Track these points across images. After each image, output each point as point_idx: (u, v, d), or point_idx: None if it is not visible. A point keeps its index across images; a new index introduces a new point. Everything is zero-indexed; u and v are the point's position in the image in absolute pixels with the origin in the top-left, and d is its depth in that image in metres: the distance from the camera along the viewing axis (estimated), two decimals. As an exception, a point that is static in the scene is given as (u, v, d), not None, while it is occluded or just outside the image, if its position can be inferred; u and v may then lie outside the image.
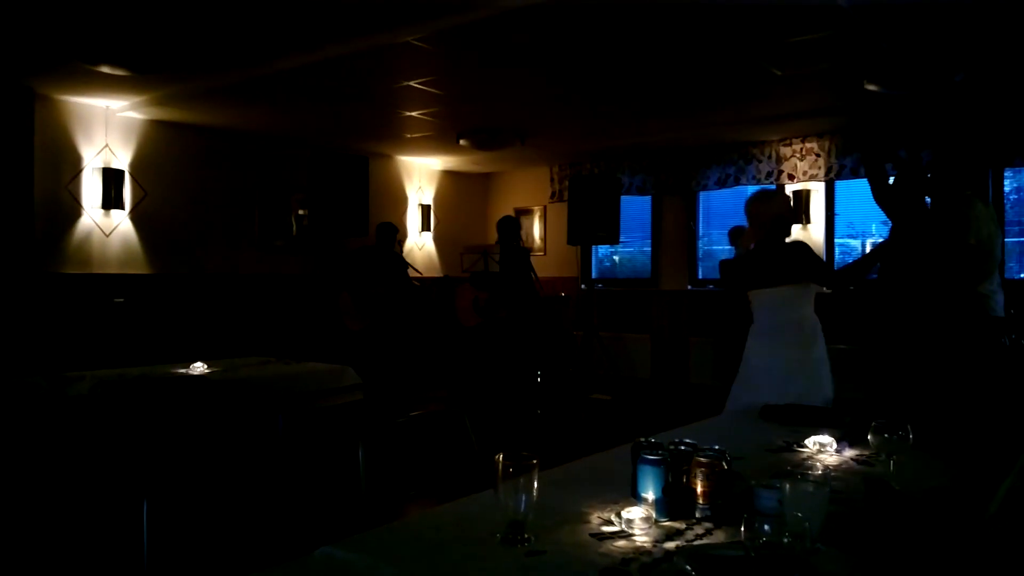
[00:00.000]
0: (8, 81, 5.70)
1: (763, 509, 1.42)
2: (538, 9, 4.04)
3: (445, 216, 9.50)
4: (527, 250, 7.41)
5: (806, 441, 2.17)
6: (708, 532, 1.49)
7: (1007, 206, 6.67)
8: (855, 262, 3.44)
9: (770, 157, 7.66)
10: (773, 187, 7.77)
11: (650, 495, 1.55)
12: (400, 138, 7.74)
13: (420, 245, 9.23)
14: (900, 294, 3.74)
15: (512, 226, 7.30)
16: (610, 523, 1.51)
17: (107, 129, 6.44)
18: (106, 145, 6.44)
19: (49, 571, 3.26)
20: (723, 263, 5.18)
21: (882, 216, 4.86)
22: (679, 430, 2.40)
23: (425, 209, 9.26)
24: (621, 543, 1.42)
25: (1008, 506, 1.41)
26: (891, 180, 4.06)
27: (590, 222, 7.59)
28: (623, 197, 8.11)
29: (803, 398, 2.94)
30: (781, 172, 7.60)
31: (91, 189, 6.36)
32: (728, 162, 7.95)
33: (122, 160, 6.56)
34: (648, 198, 8.76)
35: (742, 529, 1.26)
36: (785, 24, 4.29)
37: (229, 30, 4.53)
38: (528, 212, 9.58)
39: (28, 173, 5.99)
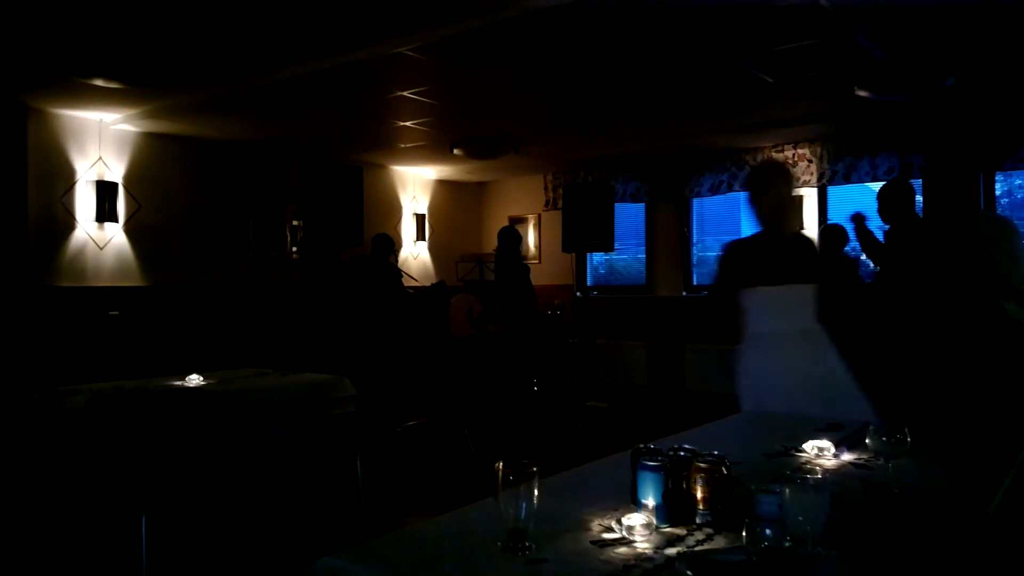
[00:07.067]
0: (1, 96, 5.70)
1: (763, 514, 1.42)
2: (531, 19, 4.06)
3: (440, 225, 9.51)
4: (528, 268, 7.42)
5: (804, 445, 2.18)
6: (709, 537, 1.49)
7: (998, 210, 6.71)
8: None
9: (763, 163, 7.69)
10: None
11: (650, 501, 1.55)
12: (394, 148, 7.75)
13: (415, 255, 9.24)
14: (907, 300, 3.71)
15: (511, 237, 7.28)
16: (611, 530, 1.51)
17: (100, 142, 6.44)
18: (99, 158, 6.43)
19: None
20: None
21: (875, 222, 4.88)
22: (677, 436, 2.40)
23: (420, 219, 9.27)
24: (622, 550, 1.42)
25: (1006, 508, 1.42)
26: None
27: (584, 230, 7.60)
28: (617, 204, 8.12)
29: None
30: (774, 178, 7.62)
31: (85, 202, 6.35)
32: (721, 169, 7.98)
33: (116, 173, 6.56)
34: (642, 205, 8.79)
35: (743, 534, 1.26)
36: (775, 32, 4.32)
37: (222, 42, 4.54)
38: (522, 220, 9.59)
39: (22, 187, 5.98)
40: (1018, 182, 6.87)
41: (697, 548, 1.44)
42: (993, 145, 6.32)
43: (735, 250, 3.09)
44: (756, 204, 3.01)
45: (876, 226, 4.92)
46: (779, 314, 2.91)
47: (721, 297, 3.07)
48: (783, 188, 3.01)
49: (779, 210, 2.99)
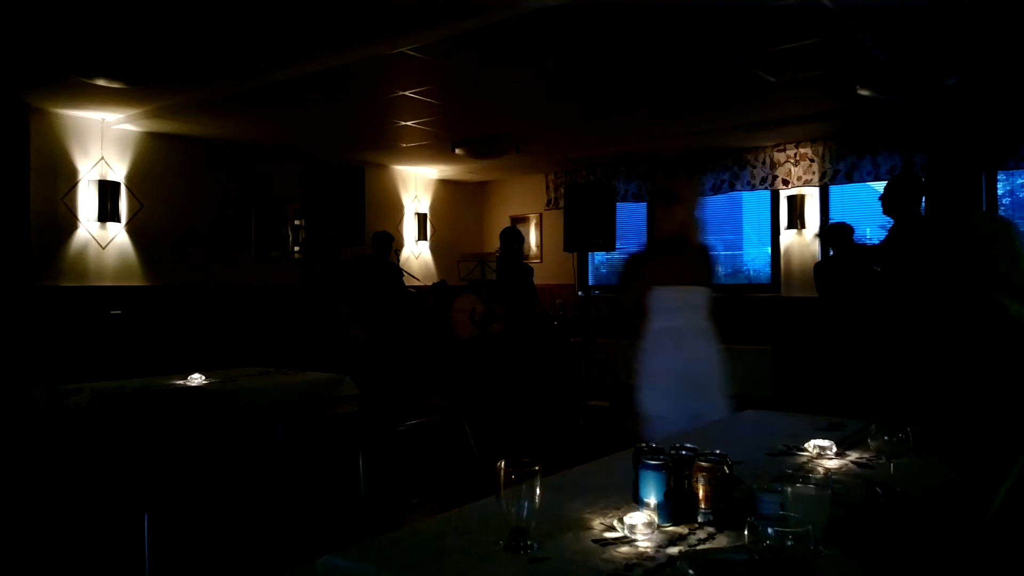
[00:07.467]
0: (3, 95, 5.70)
1: (765, 513, 1.42)
2: (533, 19, 4.05)
3: (441, 225, 9.51)
4: (531, 269, 7.42)
5: (806, 444, 2.18)
6: (711, 536, 1.49)
7: (1000, 209, 6.70)
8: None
9: (764, 163, 7.69)
10: (768, 192, 7.81)
11: (652, 500, 1.55)
12: (396, 147, 7.75)
13: (417, 254, 9.24)
14: (907, 298, 3.71)
15: (513, 237, 7.28)
16: (613, 529, 1.51)
17: (103, 142, 6.45)
18: (102, 158, 6.44)
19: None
20: None
21: (877, 220, 4.87)
22: (679, 435, 2.40)
23: (421, 218, 9.27)
24: (624, 549, 1.42)
25: (1007, 507, 1.42)
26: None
27: (586, 229, 7.59)
28: (619, 204, 8.12)
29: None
30: (775, 177, 7.62)
31: (87, 202, 6.35)
32: (723, 168, 7.97)
33: (118, 172, 6.56)
34: (643, 204, 8.78)
35: (745, 533, 1.26)
36: (777, 31, 4.32)
37: (224, 42, 4.54)
38: (524, 220, 9.59)
39: (24, 187, 5.99)
40: (1020, 181, 6.86)
41: (699, 547, 1.44)
42: (995, 144, 6.31)
43: (643, 255, 3.41)
44: (666, 213, 3.24)
45: (878, 225, 4.89)
46: (677, 312, 3.24)
47: (627, 297, 3.42)
48: (691, 200, 3.27)
49: (688, 220, 3.25)
